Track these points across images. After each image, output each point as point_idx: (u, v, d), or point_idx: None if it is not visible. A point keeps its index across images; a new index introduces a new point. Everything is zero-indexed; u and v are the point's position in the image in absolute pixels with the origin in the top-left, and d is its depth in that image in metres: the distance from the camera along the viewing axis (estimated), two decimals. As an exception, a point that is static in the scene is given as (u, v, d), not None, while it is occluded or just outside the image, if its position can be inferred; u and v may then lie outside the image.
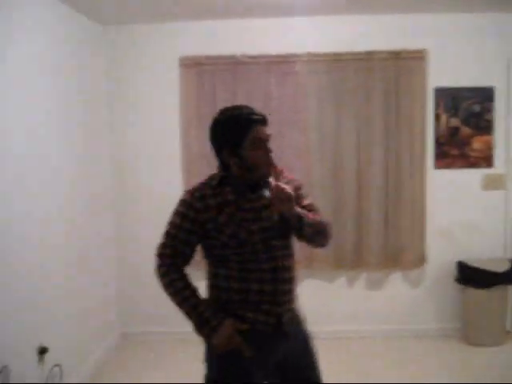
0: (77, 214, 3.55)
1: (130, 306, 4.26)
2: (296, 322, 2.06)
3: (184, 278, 1.97)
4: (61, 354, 3.15)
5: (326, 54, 3.94)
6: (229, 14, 3.84)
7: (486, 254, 4.13)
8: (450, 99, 4.04)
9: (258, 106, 3.87)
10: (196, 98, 4.01)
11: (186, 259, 2.01)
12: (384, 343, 4.07)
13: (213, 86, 3.99)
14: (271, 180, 1.89)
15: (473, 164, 4.09)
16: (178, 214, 1.98)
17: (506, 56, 3.99)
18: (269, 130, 1.95)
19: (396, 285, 4.19)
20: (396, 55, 3.94)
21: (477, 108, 4.06)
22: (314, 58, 3.95)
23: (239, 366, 1.92)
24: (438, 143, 4.07)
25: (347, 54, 3.94)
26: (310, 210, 2.01)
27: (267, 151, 1.92)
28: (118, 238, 4.20)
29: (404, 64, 3.96)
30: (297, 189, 2.01)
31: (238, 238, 1.90)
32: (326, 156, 4.00)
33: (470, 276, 3.99)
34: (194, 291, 1.95)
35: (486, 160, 4.09)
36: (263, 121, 1.94)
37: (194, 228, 1.94)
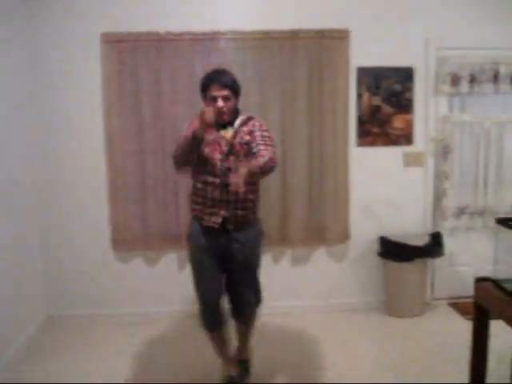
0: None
1: (56, 288, 4.19)
2: (242, 230, 2.81)
3: None
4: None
5: (250, 32, 3.94)
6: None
7: (407, 229, 4.27)
8: (372, 78, 4.13)
9: (182, 83, 3.93)
10: (118, 75, 3.94)
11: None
12: (311, 318, 4.16)
13: (135, 63, 3.93)
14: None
15: (394, 142, 4.21)
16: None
17: (425, 36, 4.10)
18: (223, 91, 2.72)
19: (321, 261, 4.29)
20: (320, 34, 3.98)
21: (397, 87, 4.17)
22: (238, 36, 3.95)
23: (197, 249, 2.85)
24: (361, 121, 4.17)
25: (272, 32, 3.94)
26: (258, 143, 2.71)
27: (218, 105, 2.70)
28: (41, 215, 4.11)
29: (327, 43, 4.00)
30: (251, 130, 2.78)
31: (204, 156, 2.72)
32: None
33: (391, 250, 4.12)
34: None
35: (407, 138, 4.22)
36: (218, 83, 2.72)
37: None
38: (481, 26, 4.12)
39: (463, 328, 3.62)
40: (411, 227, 4.28)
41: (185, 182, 3.98)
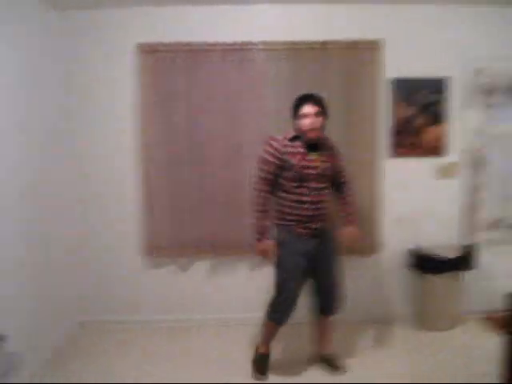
0: (39, 201, 3.58)
1: (89, 294, 4.27)
2: (325, 236, 3.24)
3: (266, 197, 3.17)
4: (19, 343, 3.16)
5: (282, 43, 3.95)
6: (186, 0, 3.86)
7: (440, 241, 4.22)
8: (406, 89, 4.09)
9: (215, 93, 3.97)
10: (154, 85, 4.00)
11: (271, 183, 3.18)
12: (346, 329, 4.13)
13: (171, 72, 3.98)
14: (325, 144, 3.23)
15: (427, 153, 4.16)
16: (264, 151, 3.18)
17: (460, 47, 4.05)
18: (315, 108, 3.08)
19: (353, 271, 4.25)
20: (352, 45, 3.97)
21: (432, 98, 4.12)
22: (269, 47, 3.96)
23: (288, 253, 3.18)
24: (394, 133, 4.13)
25: (303, 43, 3.95)
26: (342, 173, 3.37)
27: (310, 121, 3.06)
28: (77, 226, 4.19)
29: (360, 54, 3.98)
30: (338, 157, 3.31)
31: (299, 175, 3.09)
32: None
33: (422, 263, 4.07)
34: (265, 210, 3.16)
35: (441, 149, 4.16)
36: (311, 101, 3.09)
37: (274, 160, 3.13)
38: (517, 37, 4.05)
39: (496, 342, 3.56)
40: (444, 239, 4.22)
41: (219, 190, 4.03)
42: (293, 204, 3.13)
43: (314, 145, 3.13)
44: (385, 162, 4.15)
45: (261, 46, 3.97)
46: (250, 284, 4.24)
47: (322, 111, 3.09)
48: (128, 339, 4.06)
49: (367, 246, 4.18)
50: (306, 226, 3.16)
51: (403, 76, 4.07)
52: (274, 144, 3.12)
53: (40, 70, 3.69)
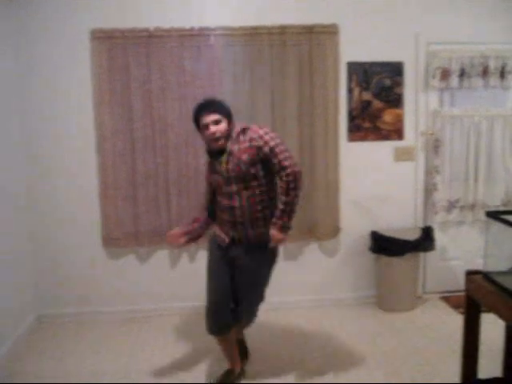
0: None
1: (47, 287, 4.17)
2: (249, 246, 2.86)
3: None
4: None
5: (240, 28, 3.93)
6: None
7: (398, 223, 4.29)
8: (362, 73, 4.13)
9: (171, 80, 3.91)
10: (108, 72, 3.91)
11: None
12: (302, 313, 4.17)
13: (125, 59, 3.90)
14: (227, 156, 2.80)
15: (384, 137, 4.22)
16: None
17: (415, 31, 4.11)
18: (212, 116, 2.77)
19: (312, 256, 4.29)
20: (309, 30, 3.98)
21: (388, 82, 4.17)
22: (227, 32, 3.93)
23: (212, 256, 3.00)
24: (351, 116, 4.17)
25: (261, 27, 3.93)
26: (273, 155, 2.72)
27: (209, 131, 2.76)
28: (31, 215, 4.08)
29: (317, 38, 4.00)
30: (260, 143, 2.73)
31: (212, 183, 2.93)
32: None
33: (382, 245, 4.13)
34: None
35: (397, 133, 4.23)
36: (206, 110, 2.78)
37: None
38: (470, 21, 4.14)
39: (455, 321, 3.65)
40: (402, 222, 4.30)
41: (175, 178, 3.99)
42: (216, 207, 2.98)
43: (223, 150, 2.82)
44: (342, 145, 4.18)
45: (218, 32, 3.93)
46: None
47: (222, 116, 2.79)
48: (86, 332, 3.98)
49: (326, 230, 4.20)
50: (226, 231, 2.90)
51: (359, 60, 4.11)
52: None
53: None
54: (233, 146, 2.78)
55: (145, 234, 4.09)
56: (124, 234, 4.10)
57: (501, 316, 2.18)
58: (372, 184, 4.26)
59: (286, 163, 2.68)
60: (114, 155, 4.00)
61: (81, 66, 3.92)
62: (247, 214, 2.77)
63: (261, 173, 2.77)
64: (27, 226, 4.05)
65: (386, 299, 4.24)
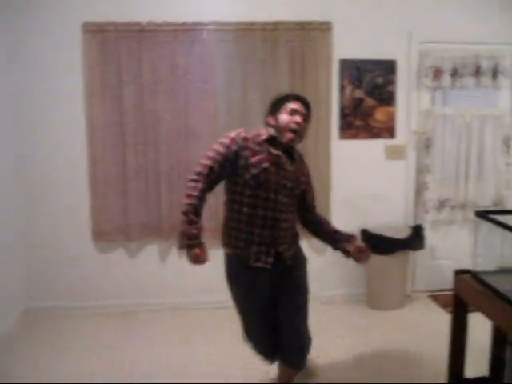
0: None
1: (35, 280, 4.14)
2: (293, 260, 2.60)
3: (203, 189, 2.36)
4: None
5: (232, 23, 3.92)
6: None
7: (388, 222, 4.29)
8: (355, 71, 4.13)
9: (163, 74, 3.89)
10: (100, 65, 3.89)
11: (212, 182, 2.41)
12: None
13: (117, 53, 3.88)
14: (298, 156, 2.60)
15: (376, 135, 4.22)
16: (219, 143, 2.41)
17: (407, 29, 4.11)
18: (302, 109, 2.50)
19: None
20: (302, 26, 3.97)
21: (380, 80, 4.17)
22: (220, 27, 3.91)
23: (242, 291, 2.61)
24: (343, 114, 4.16)
25: (254, 23, 3.92)
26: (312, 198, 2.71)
27: (295, 119, 2.43)
28: (20, 209, 4.04)
29: (310, 35, 3.99)
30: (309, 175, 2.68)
31: (257, 180, 2.37)
32: (232, 125, 3.93)
33: (373, 243, 4.11)
34: (200, 205, 2.35)
35: (389, 131, 4.23)
36: (300, 100, 2.52)
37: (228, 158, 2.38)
38: (464, 21, 4.15)
39: (443, 320, 3.65)
40: (393, 220, 4.30)
41: (166, 173, 3.97)
42: (243, 218, 2.45)
43: (288, 152, 2.52)
44: (334, 143, 4.17)
45: (211, 27, 3.92)
46: (202, 267, 4.19)
47: (308, 118, 2.55)
48: (74, 325, 3.95)
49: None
50: (260, 251, 2.46)
51: (352, 57, 4.10)
52: (233, 134, 2.44)
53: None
54: (297, 158, 2.58)
55: (135, 229, 4.07)
56: (114, 229, 4.08)
57: (488, 315, 2.19)
58: (363, 182, 4.25)
59: (315, 203, 2.80)
60: (104, 149, 3.98)
61: (72, 58, 3.89)
62: (290, 230, 2.56)
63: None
64: (16, 220, 4.01)
65: (375, 297, 4.25)
